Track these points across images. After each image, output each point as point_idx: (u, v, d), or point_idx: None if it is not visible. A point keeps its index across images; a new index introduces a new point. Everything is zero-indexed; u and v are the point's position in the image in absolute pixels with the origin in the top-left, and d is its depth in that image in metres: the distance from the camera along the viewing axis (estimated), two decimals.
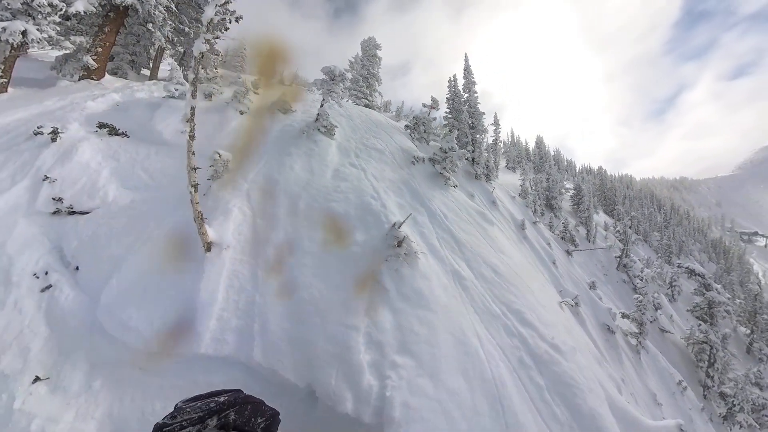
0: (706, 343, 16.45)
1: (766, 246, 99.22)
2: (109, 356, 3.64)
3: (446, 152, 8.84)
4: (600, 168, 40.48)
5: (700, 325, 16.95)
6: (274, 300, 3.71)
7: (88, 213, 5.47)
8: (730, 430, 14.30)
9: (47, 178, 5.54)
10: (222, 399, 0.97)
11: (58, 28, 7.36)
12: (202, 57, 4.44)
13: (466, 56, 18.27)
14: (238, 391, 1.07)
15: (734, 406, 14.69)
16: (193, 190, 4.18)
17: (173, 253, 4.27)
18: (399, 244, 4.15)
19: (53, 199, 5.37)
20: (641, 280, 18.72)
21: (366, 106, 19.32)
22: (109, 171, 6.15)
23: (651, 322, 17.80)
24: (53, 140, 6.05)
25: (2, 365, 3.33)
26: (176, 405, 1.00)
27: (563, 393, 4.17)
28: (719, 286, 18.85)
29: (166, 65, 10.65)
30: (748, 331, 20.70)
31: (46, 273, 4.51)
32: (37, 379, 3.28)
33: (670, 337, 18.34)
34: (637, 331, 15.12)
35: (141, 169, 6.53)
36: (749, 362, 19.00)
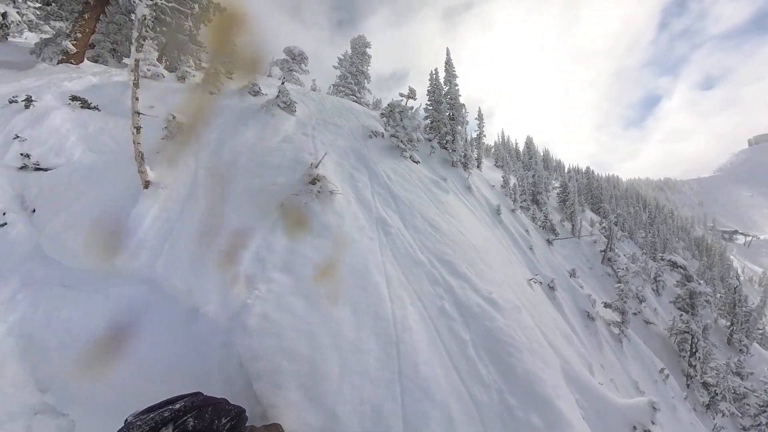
0: (687, 332, 16.37)
1: (745, 244, 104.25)
2: (40, 276, 4.04)
3: (405, 128, 9.28)
4: (588, 168, 40.66)
5: (681, 315, 16.87)
6: (189, 226, 4.12)
7: (52, 169, 5.98)
8: (713, 418, 14.08)
9: (17, 137, 6.06)
10: (178, 406, 0.90)
11: (38, 12, 8.03)
12: (145, 19, 4.99)
13: (447, 50, 18.91)
14: (197, 394, 0.98)
15: (716, 395, 14.55)
16: (135, 131, 4.66)
17: (116, 191, 4.74)
18: (313, 182, 4.52)
19: (21, 154, 5.87)
20: (625, 270, 18.72)
21: (354, 102, 19.88)
22: (77, 137, 6.67)
23: (635, 314, 17.74)
24: (27, 107, 6.60)
25: None
26: (126, 420, 0.89)
27: (493, 350, 3.62)
28: (702, 282, 18.77)
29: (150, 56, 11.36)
30: (728, 323, 20.55)
31: (4, 213, 4.99)
32: None
33: (654, 329, 18.23)
34: (619, 320, 15.08)
35: (108, 136, 7.05)
36: (730, 353, 18.77)
